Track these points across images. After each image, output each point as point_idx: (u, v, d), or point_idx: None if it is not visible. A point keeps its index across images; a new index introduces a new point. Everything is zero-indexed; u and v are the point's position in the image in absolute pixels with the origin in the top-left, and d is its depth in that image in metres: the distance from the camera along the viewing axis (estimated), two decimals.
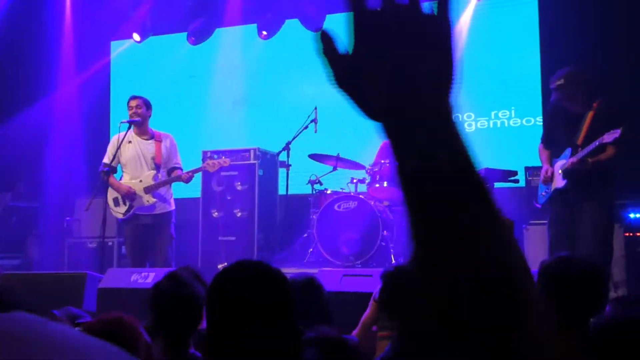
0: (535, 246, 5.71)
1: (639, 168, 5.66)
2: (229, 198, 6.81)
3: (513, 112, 7.50)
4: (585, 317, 2.08)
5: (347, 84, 0.69)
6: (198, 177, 6.40)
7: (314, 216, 6.21)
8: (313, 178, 6.54)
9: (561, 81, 4.64)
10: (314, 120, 6.67)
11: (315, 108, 6.67)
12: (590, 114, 4.63)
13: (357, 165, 6.45)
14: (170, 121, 7.27)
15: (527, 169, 6.12)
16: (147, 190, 5.52)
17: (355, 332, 3.08)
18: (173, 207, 5.70)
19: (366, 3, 0.67)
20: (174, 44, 8.61)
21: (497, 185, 5.41)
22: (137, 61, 8.76)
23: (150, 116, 5.70)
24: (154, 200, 5.54)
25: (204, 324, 2.95)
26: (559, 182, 4.73)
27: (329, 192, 6.31)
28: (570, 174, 4.62)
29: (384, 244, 5.79)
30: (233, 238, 6.73)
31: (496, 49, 7.55)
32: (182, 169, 5.72)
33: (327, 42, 0.69)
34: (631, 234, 5.41)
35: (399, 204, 6.16)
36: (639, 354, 1.39)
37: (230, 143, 7.37)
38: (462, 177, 0.64)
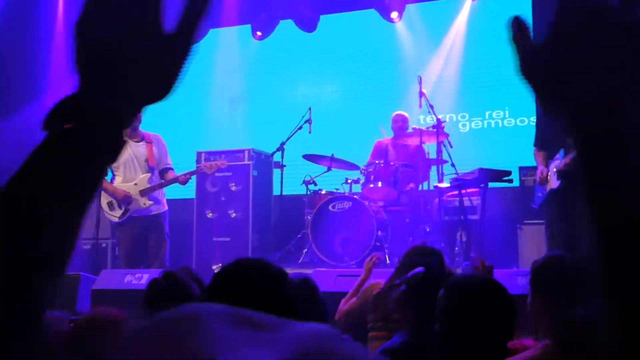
0: (529, 246, 5.73)
1: None
2: (223, 199, 6.81)
3: (507, 112, 7.53)
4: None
5: (535, 76, 0.66)
6: (192, 177, 6.39)
7: (308, 217, 6.21)
8: (307, 178, 6.54)
9: None
10: (308, 121, 6.67)
11: (310, 108, 6.68)
12: None
13: (351, 166, 6.46)
14: (164, 121, 7.26)
15: (521, 168, 6.14)
16: (143, 193, 5.51)
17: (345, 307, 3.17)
18: (166, 207, 5.69)
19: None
20: None
21: (491, 185, 5.42)
22: None
23: (141, 119, 5.67)
24: (150, 202, 5.53)
25: None
26: (553, 183, 4.75)
27: (323, 192, 6.31)
28: (564, 175, 4.64)
29: (378, 244, 5.79)
30: (227, 239, 6.73)
31: (490, 49, 7.57)
32: (173, 169, 5.70)
33: (520, 29, 0.67)
34: None
35: (393, 204, 6.17)
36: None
37: (224, 143, 7.36)
38: None
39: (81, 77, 0.65)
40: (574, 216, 4.64)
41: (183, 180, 5.62)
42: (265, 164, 7.05)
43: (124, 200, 5.49)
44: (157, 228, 5.57)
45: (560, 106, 0.65)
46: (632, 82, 0.62)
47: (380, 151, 6.44)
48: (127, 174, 5.57)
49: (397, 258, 5.60)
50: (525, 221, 5.89)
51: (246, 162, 6.81)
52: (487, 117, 7.59)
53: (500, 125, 7.53)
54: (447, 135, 6.17)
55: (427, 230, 5.93)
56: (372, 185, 6.01)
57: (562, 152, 4.70)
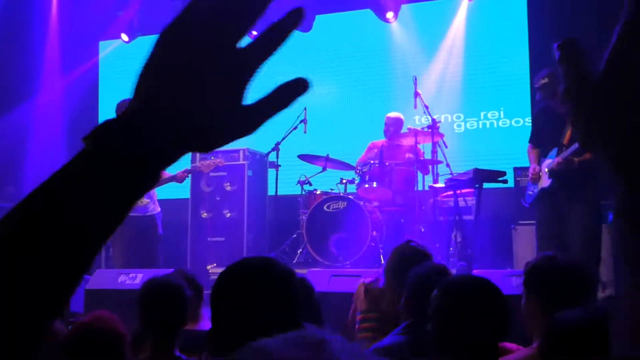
0: (524, 246, 5.74)
1: None
2: (218, 199, 6.80)
3: (502, 112, 7.54)
4: None
5: (584, 103, 0.59)
6: (188, 177, 6.38)
7: (303, 217, 6.21)
8: (302, 178, 6.54)
9: (545, 80, 4.68)
10: (304, 121, 6.67)
11: (305, 108, 6.67)
12: None
13: (346, 166, 6.45)
14: None
15: (516, 169, 6.15)
16: None
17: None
18: (159, 209, 5.72)
19: None
20: None
21: (486, 185, 5.43)
22: (126, 61, 8.71)
23: None
24: (147, 201, 5.53)
25: (203, 326, 2.98)
26: (545, 182, 4.77)
27: (318, 192, 6.31)
28: (556, 174, 4.65)
29: (373, 244, 5.80)
30: (222, 239, 6.72)
31: (485, 50, 7.58)
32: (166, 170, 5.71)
33: (574, 53, 0.61)
34: None
35: (388, 204, 6.17)
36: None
37: None
38: None
39: (143, 102, 0.60)
40: (563, 216, 4.65)
41: (180, 177, 5.62)
42: (260, 163, 7.05)
43: None
44: (151, 228, 5.58)
45: (606, 146, 0.59)
46: None
47: (373, 152, 6.42)
48: None
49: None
50: (519, 222, 5.90)
51: (241, 162, 6.80)
52: (482, 117, 7.60)
53: (495, 125, 7.55)
54: (442, 136, 6.18)
55: (422, 230, 5.94)
56: (367, 186, 6.01)
57: (554, 150, 4.71)
